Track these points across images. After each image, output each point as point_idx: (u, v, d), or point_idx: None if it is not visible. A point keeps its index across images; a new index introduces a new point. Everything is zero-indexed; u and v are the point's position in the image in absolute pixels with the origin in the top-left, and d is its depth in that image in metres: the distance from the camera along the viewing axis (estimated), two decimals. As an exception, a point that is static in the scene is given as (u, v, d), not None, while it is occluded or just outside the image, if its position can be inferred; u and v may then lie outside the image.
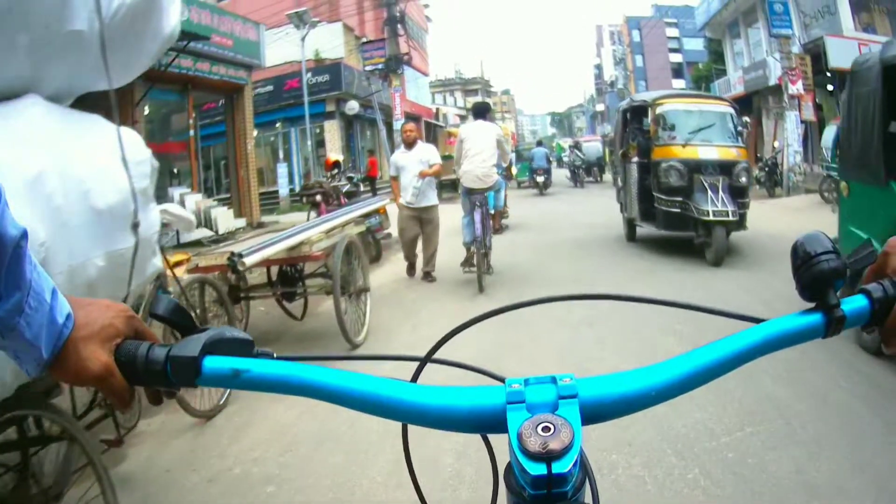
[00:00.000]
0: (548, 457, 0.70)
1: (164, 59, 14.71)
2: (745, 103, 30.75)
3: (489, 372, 0.96)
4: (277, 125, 29.53)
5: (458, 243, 9.68)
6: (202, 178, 19.19)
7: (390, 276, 10.47)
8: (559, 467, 0.70)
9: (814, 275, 0.83)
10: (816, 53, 21.49)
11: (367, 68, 27.81)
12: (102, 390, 0.89)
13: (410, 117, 32.53)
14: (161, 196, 15.59)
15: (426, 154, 9.74)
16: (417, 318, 7.69)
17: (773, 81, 25.25)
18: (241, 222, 17.54)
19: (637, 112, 12.40)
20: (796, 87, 21.34)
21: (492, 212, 10.54)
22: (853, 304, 0.86)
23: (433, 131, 43.71)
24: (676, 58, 71.78)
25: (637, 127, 12.15)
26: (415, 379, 0.94)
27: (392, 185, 10.15)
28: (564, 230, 14.68)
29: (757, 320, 0.89)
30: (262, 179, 29.48)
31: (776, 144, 23.52)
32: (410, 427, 0.92)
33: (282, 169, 26.32)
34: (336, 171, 13.36)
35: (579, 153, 32.97)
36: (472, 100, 64.71)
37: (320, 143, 29.67)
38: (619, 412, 0.81)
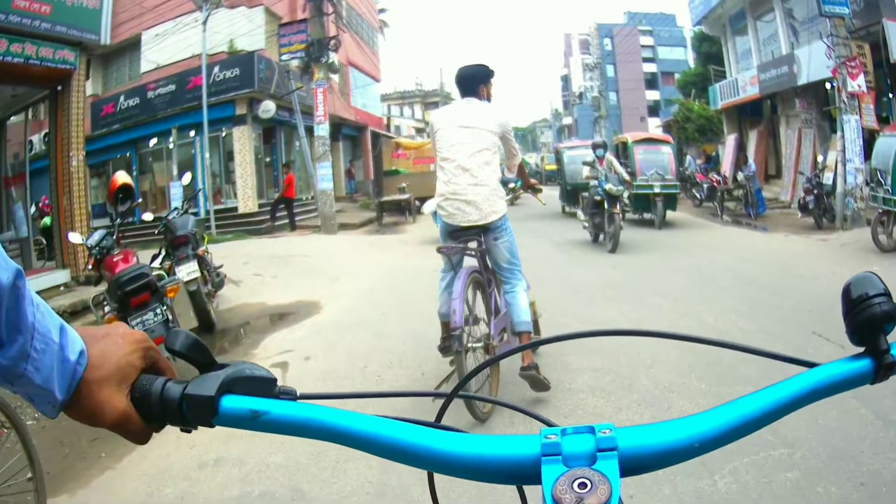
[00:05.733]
0: None
1: None
2: (753, 109, 25.76)
3: (526, 410, 0.96)
4: (172, 134, 23.42)
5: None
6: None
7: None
8: None
9: (865, 318, 0.79)
10: (872, 43, 16.43)
11: (284, 57, 21.64)
12: (119, 433, 0.86)
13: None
14: None
15: None
16: None
17: (803, 80, 19.84)
18: (59, 277, 11.21)
19: None
20: (857, 83, 15.65)
21: (516, 330, 5.23)
22: None
23: (378, 142, 37.91)
24: (650, 67, 68.86)
25: None
26: (440, 417, 0.91)
27: None
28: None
29: (808, 364, 0.84)
30: (162, 202, 23.88)
31: (820, 159, 17.96)
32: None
33: (176, 189, 20.17)
34: (129, 202, 7.35)
35: (616, 167, 14.34)
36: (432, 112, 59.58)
37: (231, 156, 23.71)
38: (661, 464, 0.77)
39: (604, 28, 71.88)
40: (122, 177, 7.76)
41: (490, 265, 5.35)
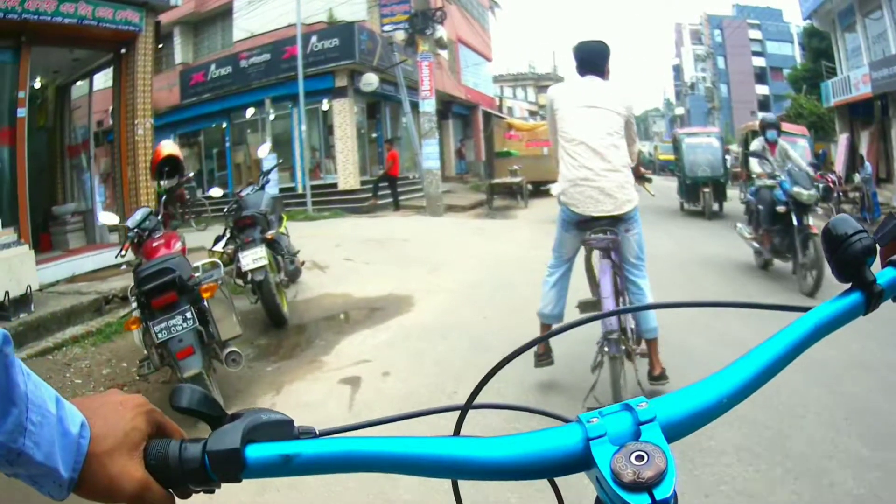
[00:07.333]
0: (647, 485, 0.68)
1: None
2: (864, 109, 23.35)
3: (550, 412, 0.93)
4: (266, 105, 22.18)
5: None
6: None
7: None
8: (661, 493, 0.68)
9: (850, 255, 0.84)
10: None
11: (387, 28, 20.51)
12: None
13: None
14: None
15: None
16: None
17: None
18: (107, 257, 10.15)
19: None
20: None
21: (646, 337, 4.98)
22: (886, 276, 0.88)
23: (490, 123, 36.81)
24: (759, 62, 67.13)
25: None
26: (457, 430, 0.90)
27: None
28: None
29: (803, 309, 0.88)
30: (257, 175, 22.96)
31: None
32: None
33: (269, 161, 18.81)
34: (176, 177, 6.24)
35: (795, 158, 9.30)
36: (545, 96, 58.01)
37: (331, 129, 22.71)
38: (697, 425, 0.80)
39: (714, 19, 70.38)
40: (167, 147, 6.60)
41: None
